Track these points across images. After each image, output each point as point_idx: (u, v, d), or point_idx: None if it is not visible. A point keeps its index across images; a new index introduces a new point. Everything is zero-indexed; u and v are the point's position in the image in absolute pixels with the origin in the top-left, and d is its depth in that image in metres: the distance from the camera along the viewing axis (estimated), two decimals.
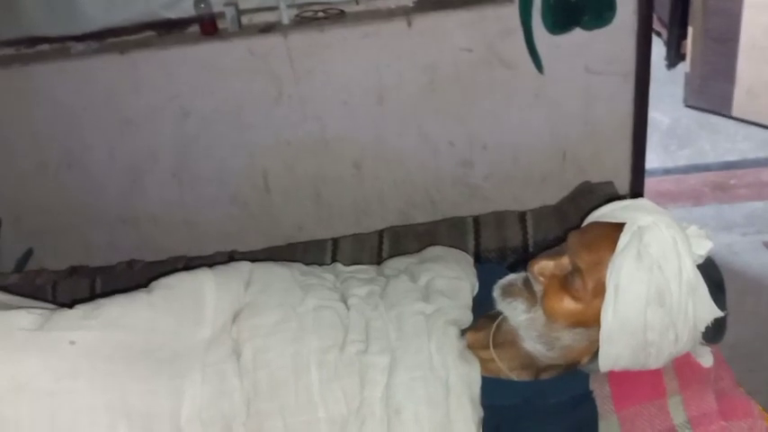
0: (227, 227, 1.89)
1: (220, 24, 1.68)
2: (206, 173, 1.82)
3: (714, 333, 0.86)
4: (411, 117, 1.70)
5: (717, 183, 2.20)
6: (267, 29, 1.65)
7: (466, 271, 1.04)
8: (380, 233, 1.42)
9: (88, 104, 1.75)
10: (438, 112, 1.69)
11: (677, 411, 0.81)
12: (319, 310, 0.92)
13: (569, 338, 0.89)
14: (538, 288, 0.90)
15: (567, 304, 0.88)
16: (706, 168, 2.29)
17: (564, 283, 0.89)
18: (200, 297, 0.92)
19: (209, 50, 1.66)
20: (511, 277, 0.95)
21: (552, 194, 1.73)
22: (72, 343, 0.82)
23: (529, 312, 0.90)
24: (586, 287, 0.87)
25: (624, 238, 0.86)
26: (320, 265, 1.30)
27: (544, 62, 1.60)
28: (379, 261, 1.36)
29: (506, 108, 1.68)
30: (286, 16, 1.65)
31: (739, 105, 2.50)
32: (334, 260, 1.38)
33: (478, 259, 1.32)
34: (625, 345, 0.86)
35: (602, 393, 0.90)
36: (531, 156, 1.74)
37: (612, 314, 0.85)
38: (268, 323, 0.90)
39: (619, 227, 0.88)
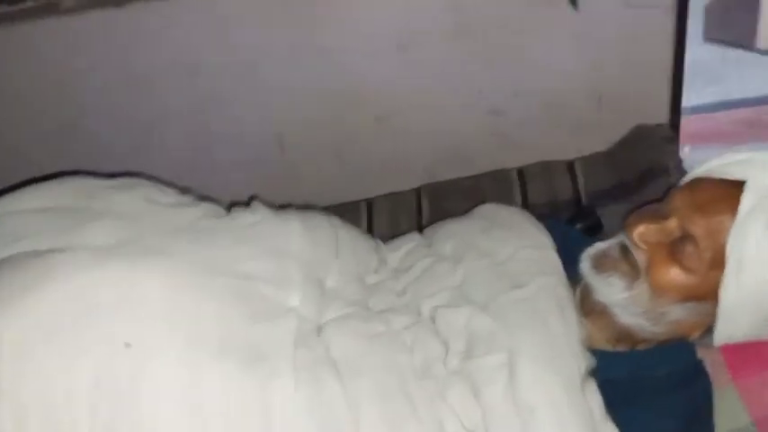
0: (242, 191, 1.76)
1: None
2: (219, 133, 1.70)
3: None
4: (437, 65, 1.59)
5: (751, 120, 2.11)
6: None
7: (542, 234, 0.94)
8: (418, 191, 1.34)
9: (85, 65, 1.62)
10: (467, 57, 1.57)
11: None
12: (410, 327, 0.81)
13: (678, 314, 0.79)
14: (641, 258, 0.80)
15: (679, 277, 0.78)
16: (736, 105, 2.20)
17: (673, 251, 0.78)
18: (285, 281, 0.78)
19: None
20: (602, 245, 0.85)
21: (588, 141, 1.63)
22: (128, 345, 0.69)
23: (630, 290, 0.80)
24: (702, 258, 0.76)
25: (748, 201, 0.75)
26: None
27: None
28: (419, 221, 1.28)
29: (540, 50, 1.56)
30: None
31: (766, 37, 2.39)
32: (369, 223, 1.29)
33: None
34: (747, 320, 0.77)
35: (713, 361, 0.82)
36: (565, 100, 1.64)
37: (735, 289, 0.75)
38: (365, 330, 0.79)
39: (737, 186, 0.77)
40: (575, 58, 1.59)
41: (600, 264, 0.82)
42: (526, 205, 1.26)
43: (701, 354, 0.84)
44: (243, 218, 0.88)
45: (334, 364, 0.74)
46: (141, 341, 0.67)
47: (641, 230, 0.80)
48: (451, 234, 0.97)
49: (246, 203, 1.01)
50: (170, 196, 0.91)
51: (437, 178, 1.64)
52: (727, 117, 2.14)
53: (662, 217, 0.81)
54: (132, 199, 0.85)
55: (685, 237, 0.78)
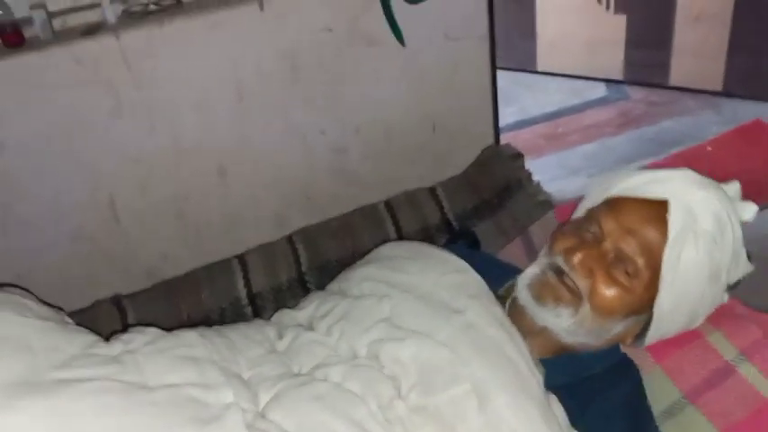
0: (72, 271, 1.59)
1: (27, 32, 1.38)
2: (37, 212, 1.50)
3: (736, 282, 0.86)
4: (276, 110, 1.56)
5: (548, 134, 2.35)
6: (91, 30, 1.39)
7: (457, 258, 0.93)
8: (290, 239, 1.30)
9: None
10: (305, 100, 1.57)
11: (724, 346, 0.81)
12: (351, 375, 0.77)
13: (620, 327, 0.82)
14: (582, 283, 0.81)
15: (620, 298, 0.80)
16: (533, 122, 2.44)
17: (611, 273, 0.80)
18: (211, 382, 0.74)
19: (19, 65, 1.36)
20: (534, 270, 0.84)
21: (428, 168, 1.71)
22: None
23: (576, 315, 0.80)
24: (640, 278, 0.79)
25: (676, 220, 0.79)
26: (233, 292, 1.13)
27: (405, 34, 1.55)
28: (299, 271, 1.23)
29: (375, 86, 1.61)
30: (111, 13, 1.41)
31: (543, 60, 2.69)
32: (246, 281, 1.21)
33: None
34: (676, 324, 0.83)
35: (635, 350, 0.87)
36: (403, 131, 1.70)
37: (669, 301, 0.80)
38: (306, 395, 0.75)
39: (661, 205, 0.81)
40: (406, 90, 1.65)
41: (541, 295, 0.82)
42: (400, 235, 1.27)
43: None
44: (136, 340, 0.78)
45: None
46: None
47: (581, 258, 0.80)
48: (363, 278, 0.92)
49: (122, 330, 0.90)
50: (46, 314, 0.78)
51: (287, 225, 1.60)
52: (530, 132, 2.37)
53: (595, 240, 0.82)
54: (20, 322, 0.71)
55: (620, 258, 0.81)
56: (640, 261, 0.80)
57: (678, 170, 0.85)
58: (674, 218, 0.79)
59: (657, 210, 0.81)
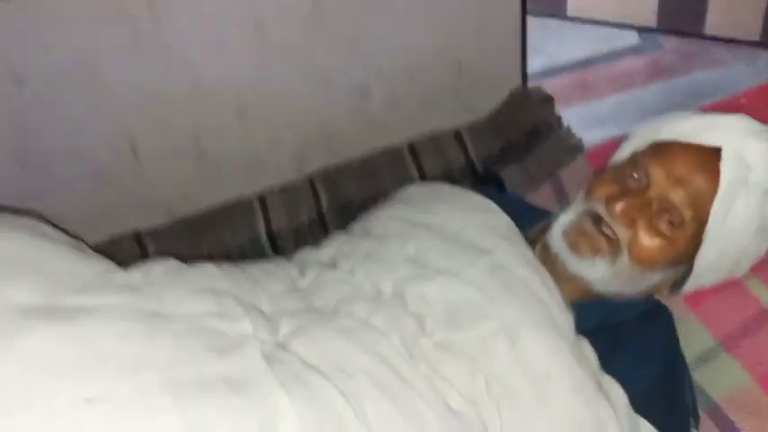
0: (92, 209, 1.58)
1: None
2: (56, 149, 1.49)
3: None
4: (298, 47, 1.51)
5: (577, 82, 2.28)
6: None
7: (484, 199, 0.90)
8: (310, 180, 1.27)
9: None
10: (327, 40, 1.52)
11: (763, 292, 0.78)
12: (376, 311, 0.75)
13: (657, 277, 0.80)
14: (622, 233, 0.77)
15: (664, 250, 0.77)
16: (561, 70, 2.36)
17: (654, 222, 0.77)
18: (229, 313, 0.73)
19: None
20: (570, 217, 0.80)
21: (452, 112, 1.65)
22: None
23: (613, 266, 0.78)
24: (685, 229, 0.76)
25: (728, 171, 0.75)
26: (253, 231, 1.11)
27: None
28: (319, 211, 1.21)
29: (398, 26, 1.55)
30: None
31: (573, 5, 2.60)
32: (266, 221, 1.20)
33: None
34: (716, 275, 0.80)
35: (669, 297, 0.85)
36: (427, 74, 1.64)
37: (713, 252, 0.76)
38: (330, 329, 0.73)
39: (711, 153, 0.76)
40: (430, 30, 1.60)
41: (577, 244, 0.79)
42: (423, 178, 1.24)
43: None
44: (154, 269, 0.76)
45: (316, 370, 0.67)
46: (112, 398, 0.58)
47: (624, 206, 0.76)
48: (388, 218, 0.90)
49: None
50: (63, 239, 0.77)
51: (307, 166, 1.58)
52: (558, 81, 2.30)
53: (639, 188, 0.79)
54: (37, 246, 0.70)
55: (665, 207, 0.77)
56: (687, 213, 0.77)
57: (733, 116, 0.79)
58: (727, 168, 0.75)
59: (709, 158, 0.77)
